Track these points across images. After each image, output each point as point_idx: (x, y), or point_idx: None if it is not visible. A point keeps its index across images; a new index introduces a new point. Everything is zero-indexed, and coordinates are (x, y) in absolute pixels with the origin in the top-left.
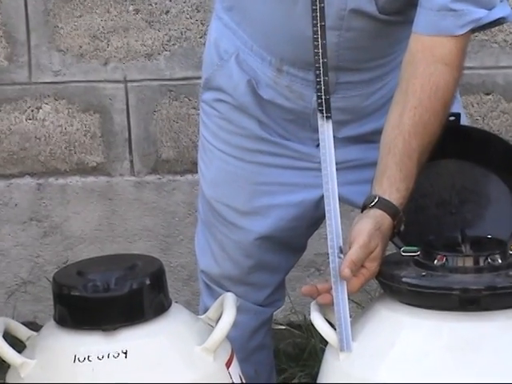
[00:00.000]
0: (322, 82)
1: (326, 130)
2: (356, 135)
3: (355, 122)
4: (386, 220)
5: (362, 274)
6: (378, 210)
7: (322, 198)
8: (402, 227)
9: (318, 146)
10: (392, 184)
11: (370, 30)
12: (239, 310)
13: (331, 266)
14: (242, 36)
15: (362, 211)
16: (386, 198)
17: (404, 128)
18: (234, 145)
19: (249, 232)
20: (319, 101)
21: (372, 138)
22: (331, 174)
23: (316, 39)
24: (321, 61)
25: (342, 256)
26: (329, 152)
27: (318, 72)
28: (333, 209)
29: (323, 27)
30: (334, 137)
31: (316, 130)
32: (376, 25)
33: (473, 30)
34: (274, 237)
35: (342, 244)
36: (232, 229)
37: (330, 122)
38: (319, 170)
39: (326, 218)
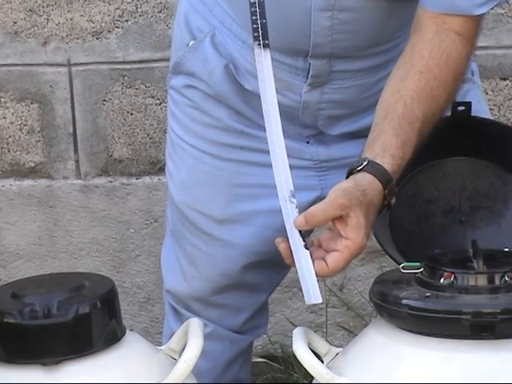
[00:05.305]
0: (256, 4)
1: (264, 59)
2: (353, 131)
3: (353, 117)
4: (374, 185)
5: (346, 246)
6: (367, 173)
7: (313, 201)
8: (393, 201)
9: (308, 142)
10: (386, 149)
11: (369, 10)
12: (212, 336)
13: (283, 211)
14: (220, 13)
15: (346, 178)
16: (378, 161)
17: (406, 92)
18: (209, 139)
19: (227, 244)
20: (254, 26)
21: None
22: (273, 107)
23: None
24: None
25: (294, 201)
26: (269, 87)
27: None
28: (278, 148)
29: None
30: (326, 134)
31: (306, 126)
32: (376, 2)
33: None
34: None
35: (292, 188)
36: (206, 240)
37: (268, 51)
38: (310, 168)
39: (271, 158)
